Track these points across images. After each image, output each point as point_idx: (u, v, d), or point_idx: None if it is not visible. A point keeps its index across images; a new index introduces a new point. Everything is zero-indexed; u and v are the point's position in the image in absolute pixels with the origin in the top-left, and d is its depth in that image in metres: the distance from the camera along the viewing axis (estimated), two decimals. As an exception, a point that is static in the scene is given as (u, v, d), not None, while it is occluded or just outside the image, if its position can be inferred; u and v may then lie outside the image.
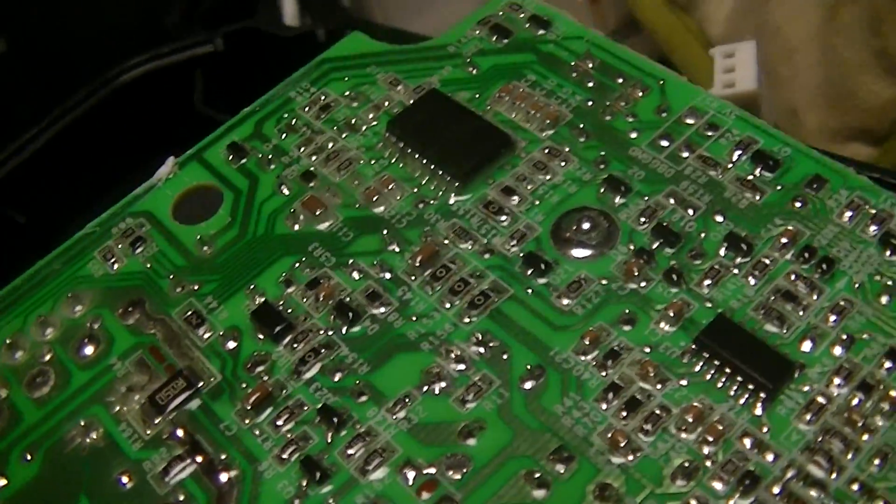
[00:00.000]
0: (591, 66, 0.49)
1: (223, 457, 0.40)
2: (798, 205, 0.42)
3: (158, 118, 0.63)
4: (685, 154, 0.45)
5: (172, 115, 0.62)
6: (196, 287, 0.45)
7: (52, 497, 0.40)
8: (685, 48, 0.62)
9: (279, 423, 0.40)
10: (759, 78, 0.54)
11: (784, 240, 0.41)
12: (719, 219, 0.42)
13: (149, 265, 0.46)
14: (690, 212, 0.43)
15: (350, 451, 0.39)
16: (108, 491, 0.40)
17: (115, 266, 0.46)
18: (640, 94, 0.47)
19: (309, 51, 0.53)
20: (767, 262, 0.41)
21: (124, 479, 0.40)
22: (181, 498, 0.39)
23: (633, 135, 0.46)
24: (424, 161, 0.46)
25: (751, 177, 0.43)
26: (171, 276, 0.45)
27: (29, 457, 0.41)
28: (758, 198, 0.43)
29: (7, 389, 0.43)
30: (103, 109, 0.63)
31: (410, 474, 0.38)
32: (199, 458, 0.40)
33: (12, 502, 0.40)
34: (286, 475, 0.39)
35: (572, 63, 0.49)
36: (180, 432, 0.41)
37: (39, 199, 0.62)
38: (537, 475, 0.37)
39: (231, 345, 0.43)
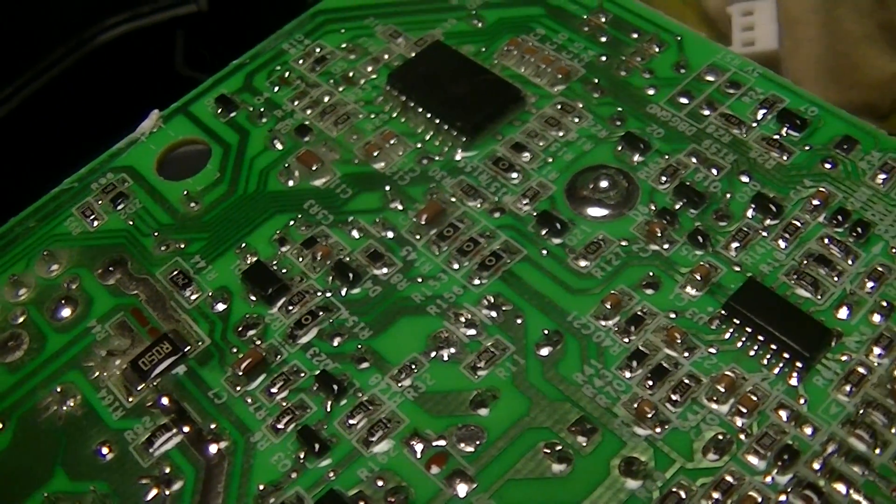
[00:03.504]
0: (603, 20, 0.46)
1: (212, 426, 0.37)
2: (828, 166, 0.40)
3: (138, 80, 0.60)
4: (706, 112, 0.42)
5: (152, 77, 0.59)
6: (182, 245, 0.42)
7: (26, 468, 0.37)
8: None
9: (273, 390, 0.37)
10: (781, 37, 0.52)
11: (815, 202, 0.39)
12: (745, 179, 0.40)
13: (131, 222, 0.43)
14: (714, 171, 0.40)
15: (352, 422, 0.36)
16: (86, 462, 0.37)
17: (95, 223, 0.43)
18: (657, 49, 0.45)
19: (297, 12, 0.50)
20: (798, 224, 0.38)
21: (104, 451, 0.37)
22: (167, 470, 0.36)
23: (651, 91, 0.43)
24: (429, 115, 0.43)
25: (777, 136, 0.41)
26: (156, 234, 0.42)
27: (0, 426, 0.38)
28: (785, 158, 0.40)
29: (-24, 354, 0.40)
30: (79, 71, 0.60)
31: (418, 447, 0.35)
32: (185, 428, 0.37)
33: (-18, 473, 0.37)
34: (281, 447, 0.36)
35: (584, 17, 0.46)
36: (165, 400, 0.38)
37: (9, 163, 0.58)
38: (558, 448, 0.35)
39: (220, 307, 0.40)
